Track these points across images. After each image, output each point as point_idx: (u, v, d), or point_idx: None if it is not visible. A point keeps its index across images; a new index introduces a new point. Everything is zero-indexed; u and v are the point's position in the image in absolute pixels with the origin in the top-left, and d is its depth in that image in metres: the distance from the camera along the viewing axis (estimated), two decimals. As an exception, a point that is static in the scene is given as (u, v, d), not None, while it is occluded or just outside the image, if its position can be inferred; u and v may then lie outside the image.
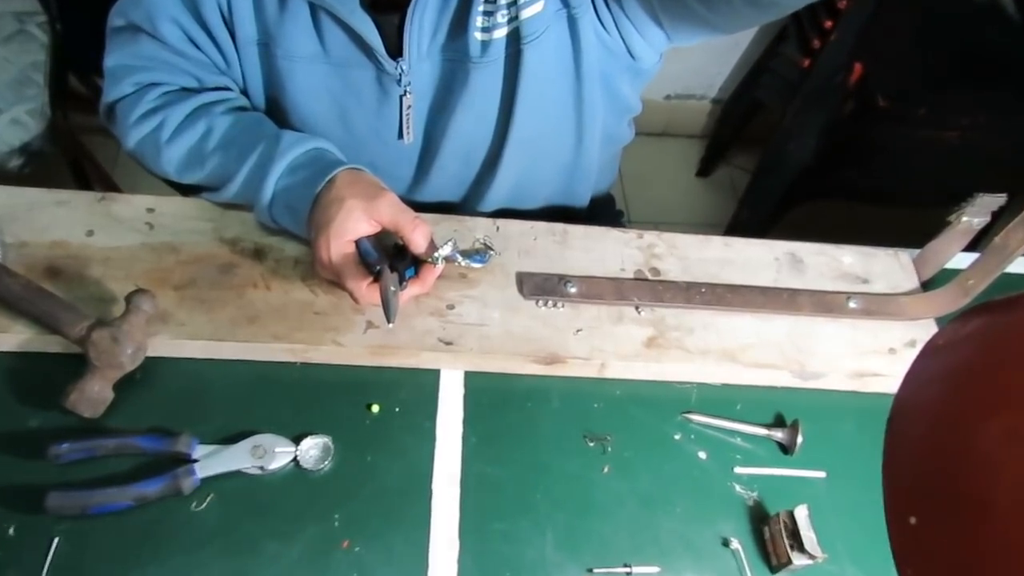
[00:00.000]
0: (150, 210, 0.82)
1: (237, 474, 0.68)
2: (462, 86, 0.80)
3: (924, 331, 0.83)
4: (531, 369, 0.77)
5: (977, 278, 0.82)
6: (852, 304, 0.83)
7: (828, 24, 1.54)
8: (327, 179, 0.73)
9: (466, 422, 0.74)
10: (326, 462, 0.70)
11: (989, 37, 1.51)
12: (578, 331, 0.79)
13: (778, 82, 1.76)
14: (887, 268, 0.89)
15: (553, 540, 0.69)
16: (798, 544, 0.67)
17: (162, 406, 0.72)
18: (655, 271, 0.85)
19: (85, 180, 1.55)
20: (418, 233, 0.71)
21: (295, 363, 0.76)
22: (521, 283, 0.81)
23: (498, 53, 0.78)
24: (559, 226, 0.87)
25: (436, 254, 0.72)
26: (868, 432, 0.78)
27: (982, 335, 0.38)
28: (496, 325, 0.78)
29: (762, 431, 0.76)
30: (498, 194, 0.93)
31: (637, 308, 0.81)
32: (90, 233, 0.80)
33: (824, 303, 0.83)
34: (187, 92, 0.82)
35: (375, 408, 0.74)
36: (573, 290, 0.80)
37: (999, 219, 0.81)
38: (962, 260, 0.86)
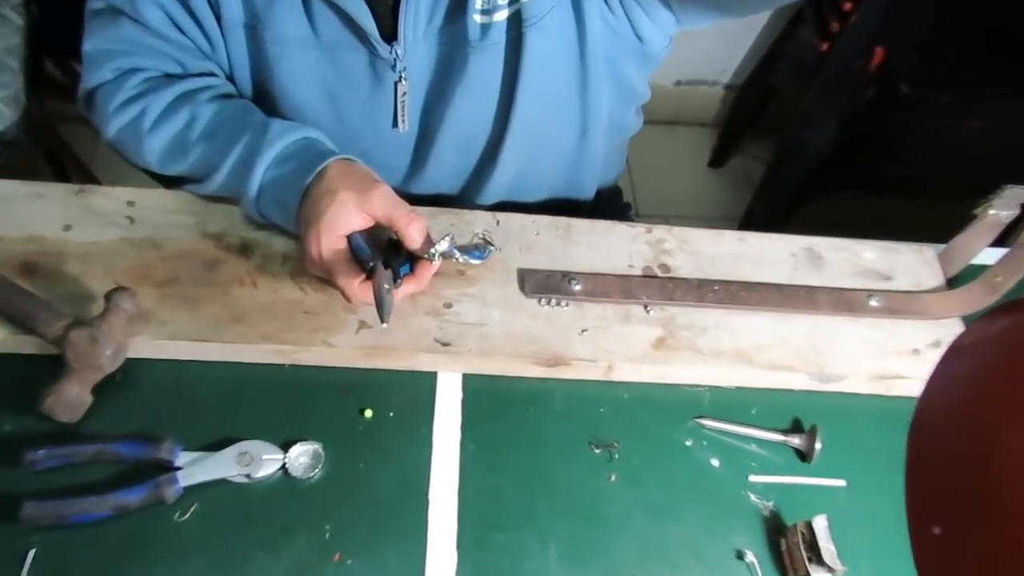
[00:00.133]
0: (131, 203, 0.82)
1: (222, 482, 0.68)
2: (460, 71, 0.80)
3: (949, 331, 0.83)
4: (533, 371, 0.77)
5: (1005, 274, 0.82)
6: (873, 302, 0.83)
7: (847, 6, 1.54)
8: (317, 170, 0.73)
9: (464, 428, 0.74)
10: (316, 470, 0.70)
11: (1018, 19, 1.51)
12: (583, 331, 0.79)
13: (795, 67, 1.76)
14: (910, 264, 0.89)
15: (556, 553, 0.69)
16: (816, 557, 0.67)
17: (143, 410, 0.72)
18: (665, 267, 0.85)
19: (62, 171, 1.55)
20: (413, 227, 0.71)
21: (283, 365, 0.76)
22: (522, 280, 0.81)
23: (498, 36, 0.78)
24: (563, 220, 0.87)
25: (432, 250, 0.72)
26: (890, 438, 0.78)
27: (1010, 334, 0.38)
28: (496, 325, 0.78)
29: (778, 437, 0.76)
30: (498, 186, 0.93)
31: (646, 307, 0.81)
32: (67, 227, 0.80)
33: (844, 301, 0.83)
34: (170, 78, 0.82)
35: (368, 413, 0.74)
36: (578, 288, 0.80)
37: (1029, 212, 0.82)
38: (990, 255, 0.86)
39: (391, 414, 0.74)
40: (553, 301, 0.80)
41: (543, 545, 0.69)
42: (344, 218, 0.70)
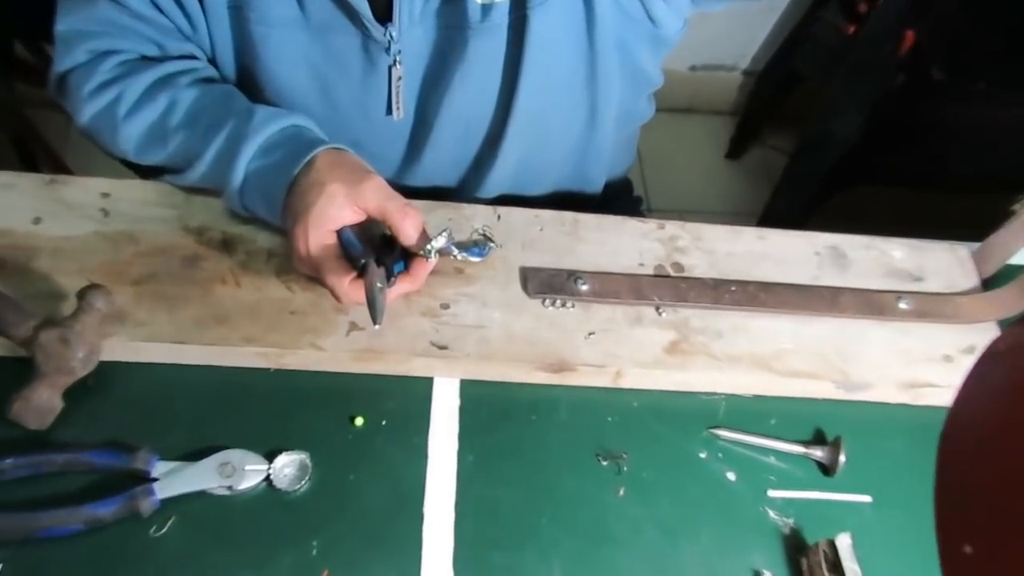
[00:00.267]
0: (105, 195, 0.83)
1: (202, 495, 0.69)
2: (459, 55, 0.80)
3: (984, 335, 0.83)
4: (536, 377, 0.77)
5: (1045, 276, 0.82)
6: (903, 305, 0.83)
7: (876, -14, 1.54)
8: (305, 160, 0.73)
9: (462, 437, 0.74)
10: (303, 482, 0.70)
11: (1060, 1, 1.51)
12: (590, 334, 0.79)
13: (819, 51, 1.75)
14: (942, 264, 0.89)
15: (560, 573, 0.69)
16: (839, 577, 0.67)
17: (118, 417, 0.72)
18: (678, 266, 0.85)
19: (32, 160, 1.55)
20: (408, 222, 0.71)
21: (268, 369, 0.76)
22: (525, 280, 0.81)
23: (500, 18, 0.78)
24: (569, 215, 0.88)
25: (429, 246, 0.72)
26: (920, 451, 0.78)
27: (1050, 340, 0.38)
28: (497, 327, 0.78)
29: (799, 449, 0.77)
30: (499, 178, 0.93)
31: (657, 309, 0.81)
32: (37, 220, 0.80)
33: (871, 304, 0.83)
34: (148, 61, 0.82)
35: (359, 421, 0.74)
36: (584, 288, 0.80)
37: (1071, 208, 0.82)
38: (1028, 255, 0.86)
39: (384, 422, 0.74)
40: (558, 302, 0.80)
41: (546, 564, 0.69)
42: (334, 212, 0.70)
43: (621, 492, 0.73)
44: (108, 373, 0.73)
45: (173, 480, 0.68)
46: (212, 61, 0.85)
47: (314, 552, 0.67)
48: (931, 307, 0.84)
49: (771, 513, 0.74)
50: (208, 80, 0.84)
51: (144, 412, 0.73)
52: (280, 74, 0.82)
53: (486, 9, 0.77)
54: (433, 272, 0.77)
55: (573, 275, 0.81)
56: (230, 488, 0.69)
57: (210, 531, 0.68)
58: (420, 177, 0.94)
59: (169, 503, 0.67)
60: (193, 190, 0.83)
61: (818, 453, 0.76)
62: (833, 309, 0.83)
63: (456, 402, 0.76)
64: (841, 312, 0.83)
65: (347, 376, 0.76)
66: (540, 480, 0.73)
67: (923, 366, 0.81)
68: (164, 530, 0.67)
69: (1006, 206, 0.83)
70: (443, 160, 0.92)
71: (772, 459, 0.77)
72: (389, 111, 0.85)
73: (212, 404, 0.73)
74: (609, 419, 0.77)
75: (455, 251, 0.75)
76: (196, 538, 0.67)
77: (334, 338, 0.75)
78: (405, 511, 0.70)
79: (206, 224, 0.82)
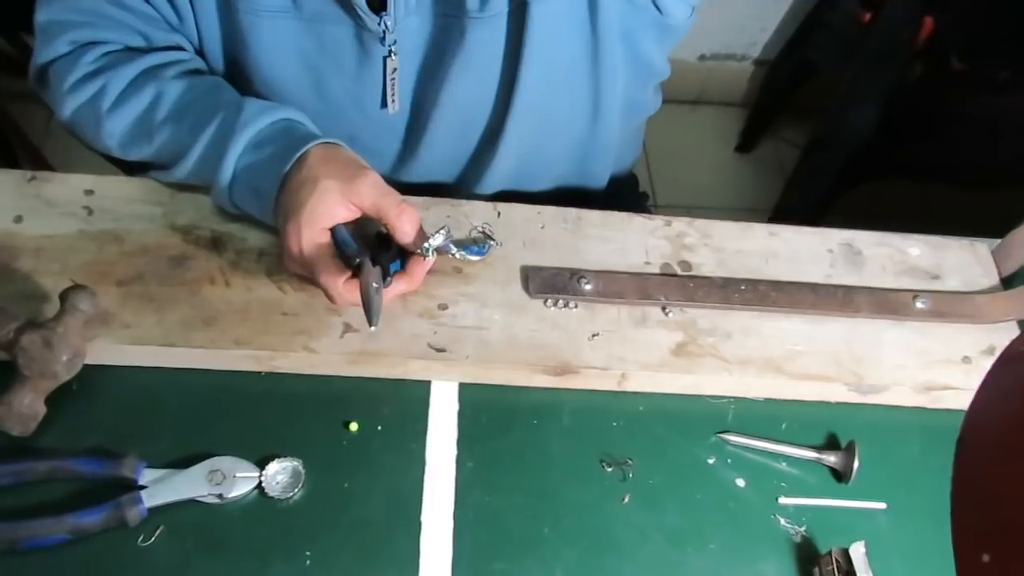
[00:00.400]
0: (89, 192, 0.83)
1: (191, 503, 0.69)
2: (457, 46, 0.81)
3: (1005, 336, 0.84)
4: (538, 381, 0.78)
5: (1068, 274, 0.82)
6: (920, 304, 0.84)
7: (893, -29, 1.54)
8: (297, 156, 0.73)
9: (461, 443, 0.75)
10: (296, 490, 0.70)
11: (1085, -13, 1.51)
12: (594, 336, 0.79)
13: (834, 40, 1.76)
14: (961, 261, 0.89)
15: (564, 582, 0.69)
16: (853, 588, 0.68)
17: (103, 423, 0.72)
18: (686, 265, 0.85)
19: (11, 156, 1.56)
20: (405, 219, 0.72)
21: (260, 373, 0.76)
22: (526, 279, 0.82)
23: (500, 6, 0.78)
24: (572, 211, 0.88)
25: (426, 244, 0.73)
26: (937, 456, 0.78)
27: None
28: (497, 329, 0.78)
29: (811, 455, 0.77)
30: (500, 173, 0.94)
31: (664, 309, 0.81)
32: (18, 219, 0.80)
33: (886, 303, 0.84)
34: (133, 52, 0.83)
35: (354, 426, 0.74)
36: (588, 287, 0.81)
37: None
38: (1050, 252, 0.86)
39: (379, 428, 0.75)
40: (560, 302, 0.80)
41: (549, 574, 0.69)
42: (327, 209, 0.71)
43: (626, 499, 0.74)
44: (93, 377, 0.73)
45: (161, 488, 0.68)
46: (200, 52, 0.85)
47: (308, 563, 0.68)
48: (949, 306, 0.84)
49: (782, 521, 0.74)
50: (196, 72, 0.84)
51: (131, 417, 0.73)
52: (270, 66, 0.82)
53: (485, -3, 0.78)
54: (431, 271, 0.77)
55: (576, 274, 0.81)
56: (220, 496, 0.69)
57: (200, 541, 0.68)
58: (417, 172, 0.94)
59: (157, 512, 0.68)
60: (181, 187, 0.83)
61: (831, 459, 0.76)
62: (847, 309, 0.83)
63: (455, 406, 0.77)
64: (855, 312, 0.83)
65: (341, 380, 0.76)
66: (542, 487, 0.73)
67: (940, 368, 0.81)
68: (152, 540, 0.67)
69: (1027, 201, 0.84)
70: (441, 155, 0.92)
71: (783, 465, 0.77)
72: (384, 104, 0.85)
73: (201, 409, 0.74)
74: (614, 424, 0.77)
75: (454, 249, 0.76)
76: (185, 548, 0.67)
77: (328, 340, 0.75)
78: (402, 520, 0.70)
79: (194, 222, 0.82)
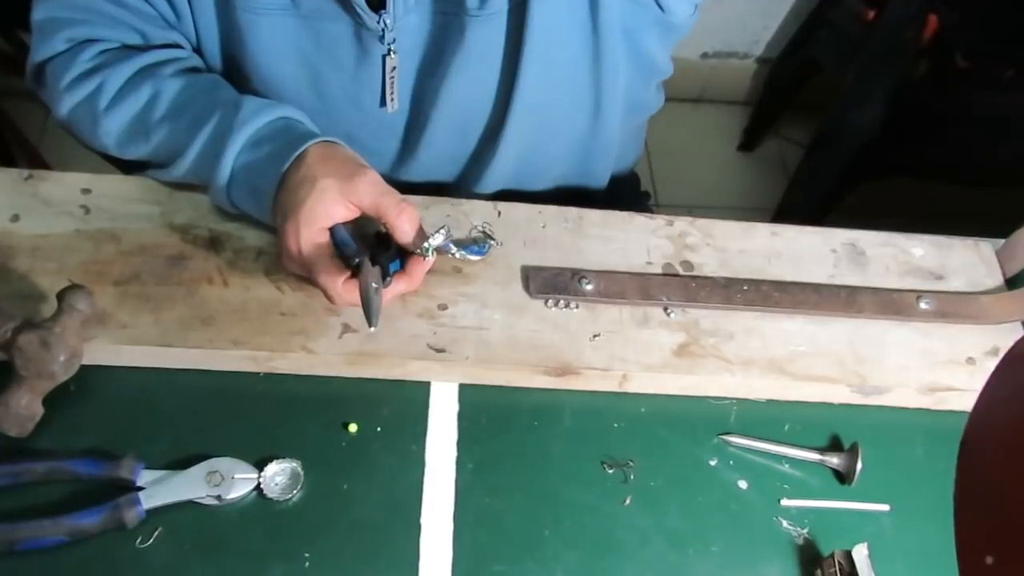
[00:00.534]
0: (86, 191, 0.83)
1: (189, 505, 0.69)
2: (457, 43, 0.81)
3: (1009, 337, 0.84)
4: (539, 382, 0.78)
5: (1073, 274, 0.82)
6: (923, 305, 0.84)
7: (897, -32, 1.54)
8: (296, 154, 0.73)
9: (461, 445, 0.75)
10: (295, 491, 0.71)
11: (1091, -16, 1.51)
12: (595, 337, 0.79)
13: (837, 38, 1.76)
14: (965, 261, 0.89)
15: (564, 585, 0.69)
16: (856, 590, 0.68)
17: (101, 424, 0.72)
18: (688, 265, 0.85)
19: (7, 154, 1.56)
20: (404, 219, 0.72)
21: (258, 373, 0.76)
22: (527, 279, 0.82)
23: (500, 5, 0.78)
24: (573, 211, 0.88)
25: (426, 244, 0.73)
26: (940, 458, 0.78)
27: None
28: (497, 329, 0.78)
29: (814, 456, 0.77)
30: (500, 172, 0.94)
31: (666, 309, 0.82)
32: (15, 218, 0.80)
33: (890, 304, 0.84)
34: (130, 50, 0.83)
35: (353, 427, 0.74)
36: (589, 287, 0.81)
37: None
38: (1055, 252, 0.86)
39: (379, 429, 0.75)
40: (561, 303, 0.80)
41: (549, 577, 0.69)
42: (326, 208, 0.71)
43: (628, 501, 0.74)
44: (90, 377, 0.73)
45: (159, 489, 0.68)
46: (197, 50, 0.86)
47: (306, 564, 0.68)
48: (953, 307, 0.84)
49: (784, 523, 0.74)
50: (193, 70, 0.84)
51: (128, 418, 0.73)
52: (268, 64, 0.82)
53: (485, -5, 0.78)
54: (430, 271, 0.77)
55: (577, 274, 0.81)
56: (218, 498, 0.69)
57: (198, 543, 0.68)
58: (416, 172, 0.94)
59: (155, 513, 0.68)
60: (178, 185, 0.83)
61: (834, 460, 0.76)
62: (850, 309, 0.83)
63: (455, 408, 0.77)
64: (859, 312, 0.83)
65: (340, 380, 0.76)
66: (543, 489, 0.73)
67: (945, 369, 0.81)
68: (150, 542, 0.67)
69: (1032, 201, 0.84)
70: (440, 154, 0.92)
71: (786, 467, 0.77)
72: (383, 103, 0.85)
73: (199, 410, 0.74)
74: (615, 425, 0.77)
75: (453, 249, 0.76)
76: (183, 550, 0.67)
77: (326, 341, 0.76)
78: (401, 522, 0.71)
79: (192, 221, 0.82)
